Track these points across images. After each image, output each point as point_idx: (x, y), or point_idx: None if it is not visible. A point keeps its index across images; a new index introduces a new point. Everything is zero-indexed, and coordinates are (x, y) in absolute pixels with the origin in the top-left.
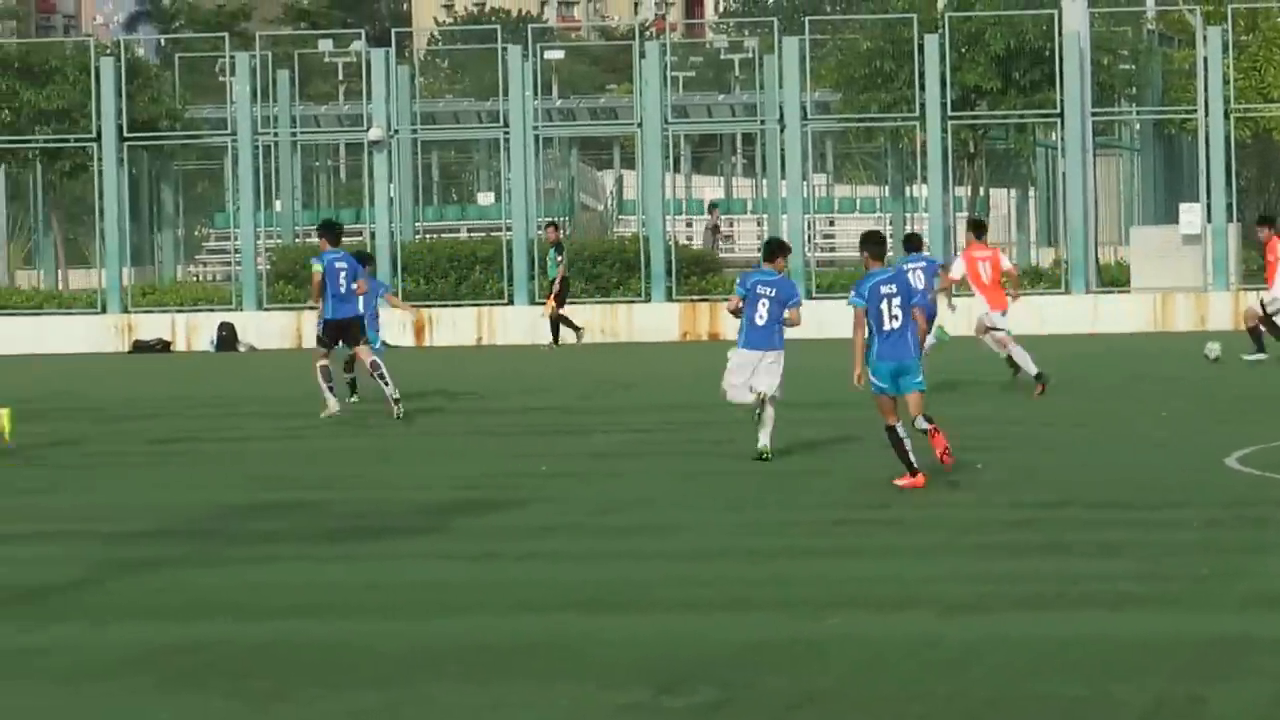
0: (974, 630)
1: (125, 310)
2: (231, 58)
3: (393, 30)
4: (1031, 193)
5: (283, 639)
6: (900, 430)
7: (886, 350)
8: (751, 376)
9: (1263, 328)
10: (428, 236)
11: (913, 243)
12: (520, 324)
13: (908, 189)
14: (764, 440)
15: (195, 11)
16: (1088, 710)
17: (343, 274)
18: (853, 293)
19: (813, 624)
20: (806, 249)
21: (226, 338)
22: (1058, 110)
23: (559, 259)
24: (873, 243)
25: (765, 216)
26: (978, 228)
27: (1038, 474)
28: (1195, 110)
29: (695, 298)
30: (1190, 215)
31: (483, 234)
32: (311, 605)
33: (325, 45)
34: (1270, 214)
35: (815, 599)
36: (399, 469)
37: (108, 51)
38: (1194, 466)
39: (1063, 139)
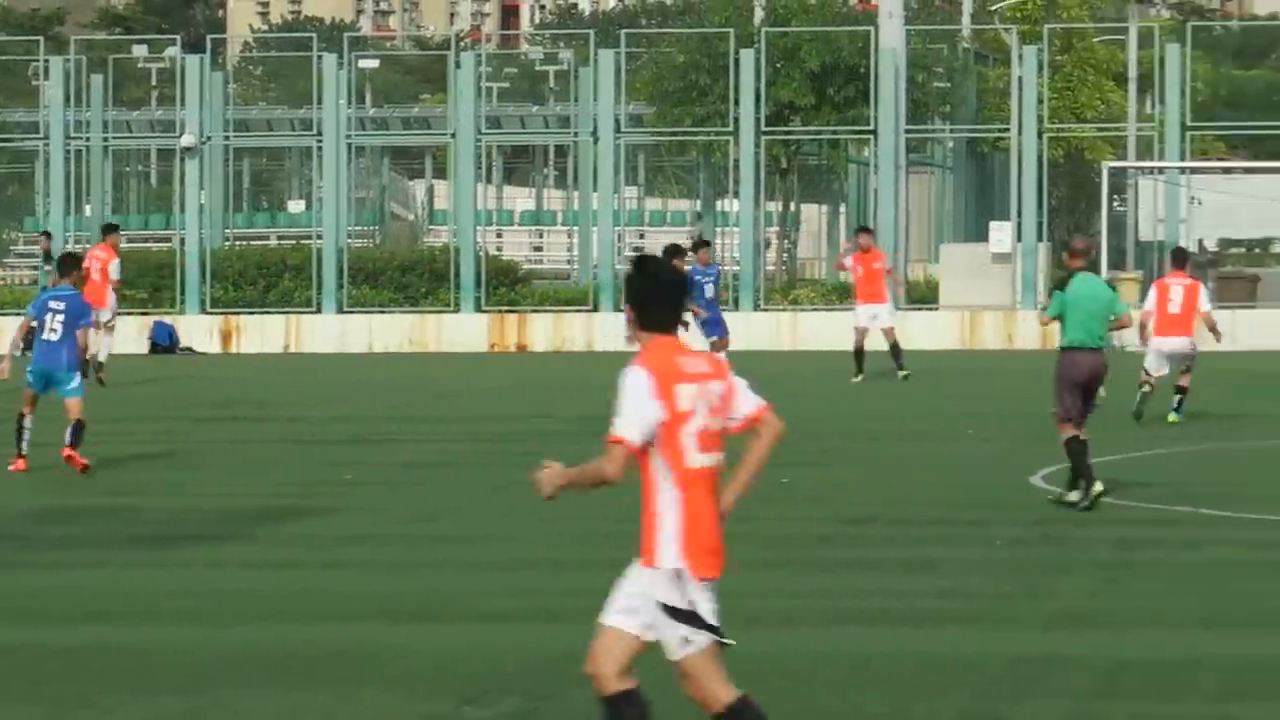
0: (777, 644)
1: None
2: (45, 61)
3: (208, 37)
4: (842, 209)
5: (84, 645)
6: (29, 422)
7: (40, 357)
8: None
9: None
10: (238, 243)
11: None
12: (329, 332)
13: (719, 203)
14: None
15: (9, 14)
16: None
17: None
18: (30, 307)
19: None
20: (617, 262)
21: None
22: (871, 127)
23: (47, 268)
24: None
25: (576, 229)
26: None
27: (844, 489)
28: (1009, 129)
29: (504, 309)
30: (1000, 234)
31: (293, 241)
32: (114, 611)
33: (140, 51)
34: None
35: None
36: (203, 476)
37: None
38: (999, 484)
39: (876, 155)
